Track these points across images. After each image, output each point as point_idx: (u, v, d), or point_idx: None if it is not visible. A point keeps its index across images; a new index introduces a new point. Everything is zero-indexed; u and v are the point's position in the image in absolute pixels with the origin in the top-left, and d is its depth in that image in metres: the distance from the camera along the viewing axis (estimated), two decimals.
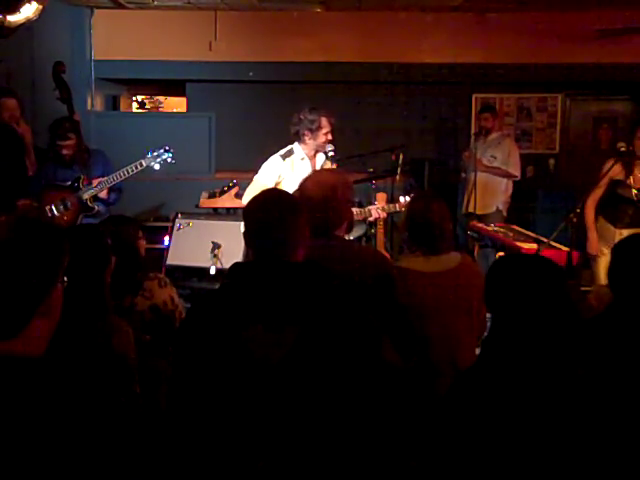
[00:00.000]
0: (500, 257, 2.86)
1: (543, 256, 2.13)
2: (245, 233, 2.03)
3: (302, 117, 4.47)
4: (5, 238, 1.45)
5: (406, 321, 2.62)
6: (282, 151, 4.56)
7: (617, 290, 2.27)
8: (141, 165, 4.76)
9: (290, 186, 4.33)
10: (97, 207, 4.81)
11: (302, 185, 2.73)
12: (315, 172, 2.87)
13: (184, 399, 1.87)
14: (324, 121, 4.47)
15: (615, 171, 4.64)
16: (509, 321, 1.91)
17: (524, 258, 2.37)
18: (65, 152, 4.77)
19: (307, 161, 4.57)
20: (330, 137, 4.52)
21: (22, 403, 1.36)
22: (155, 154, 4.80)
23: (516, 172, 6.43)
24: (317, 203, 2.55)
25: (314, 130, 4.46)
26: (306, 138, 4.48)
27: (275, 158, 4.52)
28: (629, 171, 4.70)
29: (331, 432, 1.78)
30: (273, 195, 2.07)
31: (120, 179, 4.75)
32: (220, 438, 1.80)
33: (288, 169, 4.49)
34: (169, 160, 4.84)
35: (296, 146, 4.55)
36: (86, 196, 4.75)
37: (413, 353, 2.68)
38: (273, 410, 1.76)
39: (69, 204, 4.76)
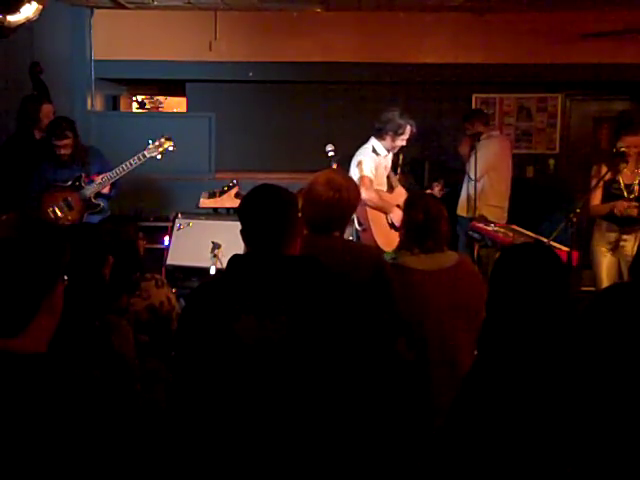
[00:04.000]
0: (506, 247, 2.87)
1: (547, 246, 2.14)
2: (242, 230, 2.04)
3: (391, 118, 4.81)
4: (6, 236, 1.46)
5: (401, 318, 2.63)
6: (367, 146, 4.87)
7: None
8: (144, 157, 4.77)
9: (380, 180, 4.78)
10: (101, 203, 4.82)
11: (312, 182, 2.74)
12: (326, 172, 2.84)
13: (185, 392, 1.89)
14: (408, 129, 4.83)
15: (604, 172, 4.72)
16: (508, 316, 1.91)
17: (530, 247, 2.37)
18: (63, 152, 4.76)
19: (385, 157, 4.90)
20: (405, 144, 4.90)
21: (25, 400, 1.36)
22: (157, 144, 4.81)
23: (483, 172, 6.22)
24: (326, 201, 2.58)
25: (398, 134, 4.80)
26: (388, 137, 4.83)
27: (369, 153, 4.82)
28: (616, 169, 4.77)
29: (325, 422, 1.79)
30: (268, 190, 2.07)
31: (123, 172, 4.75)
32: (218, 431, 1.81)
33: (377, 164, 4.83)
34: (170, 149, 4.84)
35: (375, 142, 4.87)
36: (89, 193, 4.76)
37: (410, 350, 2.68)
38: (266, 399, 1.78)
39: (72, 204, 4.75)
